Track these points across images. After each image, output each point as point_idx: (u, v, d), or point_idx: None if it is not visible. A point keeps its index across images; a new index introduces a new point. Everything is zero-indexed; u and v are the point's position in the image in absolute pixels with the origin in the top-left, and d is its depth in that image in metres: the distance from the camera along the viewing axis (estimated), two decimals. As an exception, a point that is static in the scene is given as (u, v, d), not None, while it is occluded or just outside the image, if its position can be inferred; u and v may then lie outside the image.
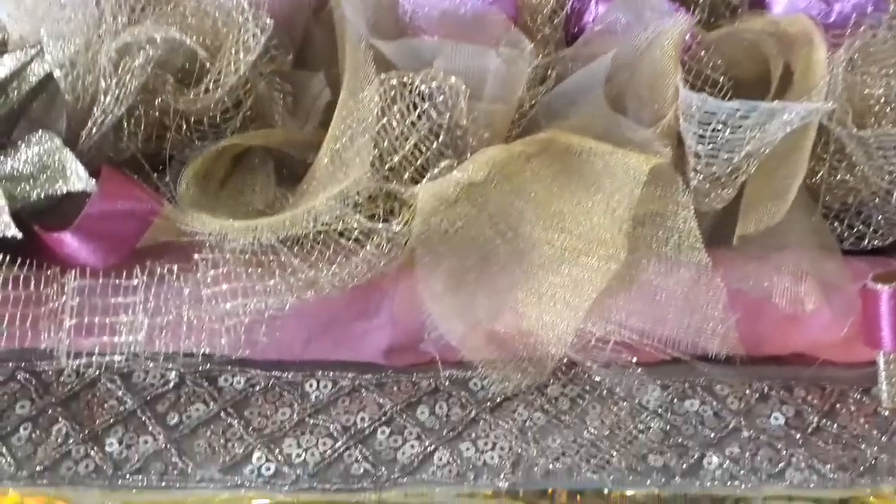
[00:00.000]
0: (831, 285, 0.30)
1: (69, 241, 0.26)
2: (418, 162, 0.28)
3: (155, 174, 0.29)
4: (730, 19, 0.35)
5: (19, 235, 0.25)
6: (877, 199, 0.31)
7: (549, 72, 0.32)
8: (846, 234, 0.32)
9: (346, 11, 0.27)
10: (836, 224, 0.33)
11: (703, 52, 0.30)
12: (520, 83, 0.28)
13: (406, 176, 0.28)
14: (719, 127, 0.26)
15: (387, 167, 0.28)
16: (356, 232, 0.28)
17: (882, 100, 0.29)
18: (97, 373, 0.31)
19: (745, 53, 0.32)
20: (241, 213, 0.29)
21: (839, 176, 0.32)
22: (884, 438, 0.30)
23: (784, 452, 0.30)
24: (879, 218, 0.31)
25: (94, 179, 0.26)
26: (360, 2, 0.28)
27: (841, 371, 0.32)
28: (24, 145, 0.28)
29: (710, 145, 0.27)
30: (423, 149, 0.27)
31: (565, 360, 0.31)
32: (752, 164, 0.28)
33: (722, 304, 0.27)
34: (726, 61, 0.31)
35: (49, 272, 0.27)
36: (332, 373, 0.32)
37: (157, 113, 0.29)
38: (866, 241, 0.32)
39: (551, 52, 0.33)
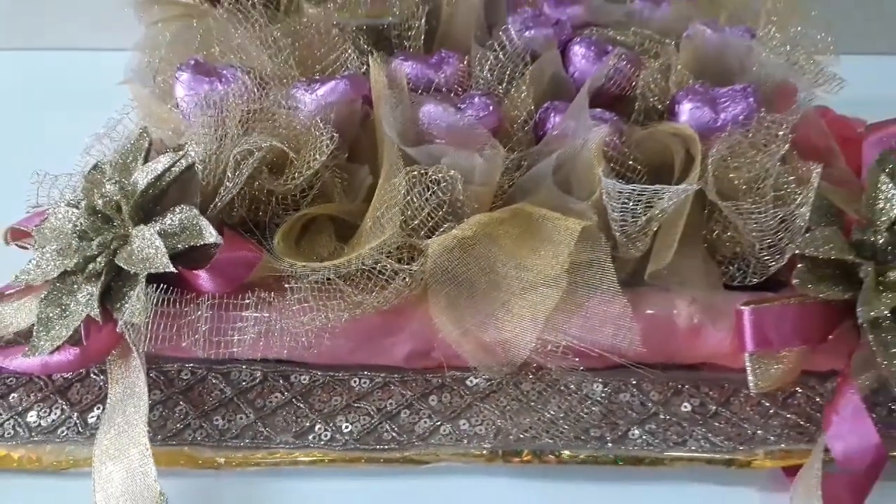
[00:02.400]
0: (718, 312, 0.41)
1: (204, 277, 0.38)
2: (430, 224, 0.40)
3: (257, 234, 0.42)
4: (657, 121, 0.48)
5: (175, 271, 0.38)
6: (751, 249, 0.42)
7: (523, 162, 0.44)
8: (736, 274, 0.43)
9: (384, 128, 0.41)
10: (729, 267, 0.43)
11: (626, 149, 0.43)
12: (497, 173, 0.40)
13: (422, 233, 0.40)
14: (627, 202, 0.39)
15: (409, 228, 0.40)
16: (388, 271, 0.39)
17: (742, 182, 0.41)
18: (205, 372, 0.45)
19: (659, 148, 0.44)
20: (312, 259, 0.41)
21: (728, 233, 0.43)
22: (762, 420, 0.41)
23: (688, 429, 0.40)
24: (756, 262, 0.42)
25: (220, 236, 0.40)
26: (392, 119, 0.42)
27: (736, 374, 0.41)
28: (169, 214, 0.41)
29: (622, 213, 0.39)
30: (433, 216, 0.39)
31: (535, 365, 0.44)
32: (653, 225, 0.40)
33: (629, 317, 0.39)
34: (645, 154, 0.43)
35: (188, 296, 0.39)
36: (368, 373, 0.43)
37: (255, 192, 0.42)
38: (748, 279, 0.42)
39: (524, 149, 0.45)
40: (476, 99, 0.45)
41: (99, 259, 0.40)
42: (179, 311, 0.39)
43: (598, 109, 0.45)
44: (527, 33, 0.50)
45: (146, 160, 0.43)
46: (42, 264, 0.42)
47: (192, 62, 0.45)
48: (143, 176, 0.41)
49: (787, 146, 0.41)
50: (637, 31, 0.52)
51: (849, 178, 0.44)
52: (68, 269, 0.41)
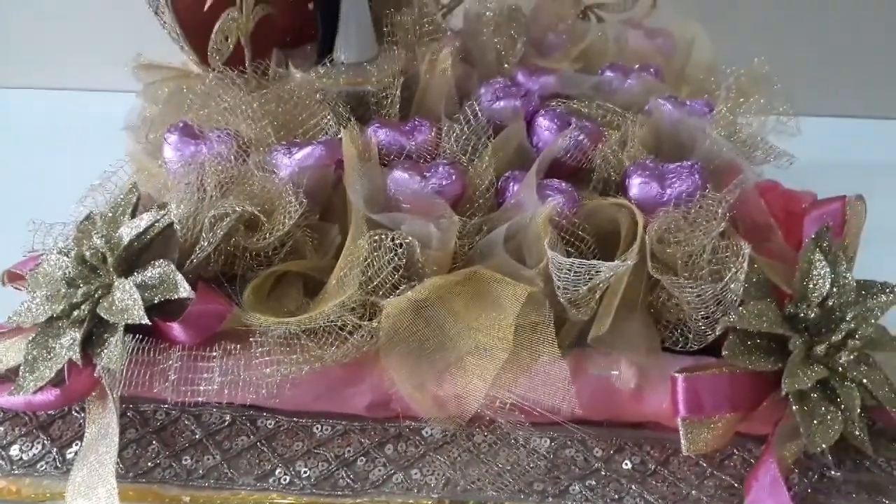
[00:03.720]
0: (656, 376, 0.43)
1: (176, 328, 0.41)
2: (388, 286, 0.43)
3: (229, 287, 0.45)
4: (614, 191, 0.51)
5: (149, 323, 0.41)
6: (689, 318, 0.45)
7: (483, 227, 0.47)
8: (679, 339, 0.45)
9: (351, 196, 0.44)
10: (673, 332, 0.45)
11: (576, 220, 0.46)
12: (451, 241, 0.43)
13: (381, 293, 0.43)
14: (567, 273, 0.42)
15: (370, 287, 0.43)
16: (349, 326, 0.42)
17: (680, 256, 0.43)
18: (179, 413, 0.48)
19: (608, 217, 0.47)
20: (280, 312, 0.43)
21: (672, 300, 0.45)
22: (697, 481, 0.43)
23: (626, 486, 0.42)
24: (695, 331, 0.45)
25: (193, 291, 0.43)
26: (360, 187, 0.45)
27: (677, 435, 0.42)
28: (150, 267, 0.44)
29: (564, 282, 0.42)
30: (391, 278, 0.43)
31: (488, 418, 0.46)
32: (595, 294, 0.43)
33: (568, 381, 0.41)
34: (595, 224, 0.46)
35: (161, 345, 0.42)
36: (330, 420, 0.45)
37: (231, 248, 0.46)
38: (688, 345, 0.44)
39: (485, 214, 0.48)
40: (441, 168, 0.48)
41: (83, 307, 0.44)
42: (153, 359, 0.42)
43: (556, 180, 0.49)
44: (496, 104, 0.54)
45: (134, 214, 0.47)
46: (32, 308, 0.45)
47: (181, 125, 0.49)
48: (127, 231, 0.45)
49: (724, 224, 0.44)
50: (601, 104, 0.55)
51: (786, 253, 0.46)
52: (55, 314, 0.44)
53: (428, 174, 0.48)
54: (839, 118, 0.89)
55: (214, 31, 0.51)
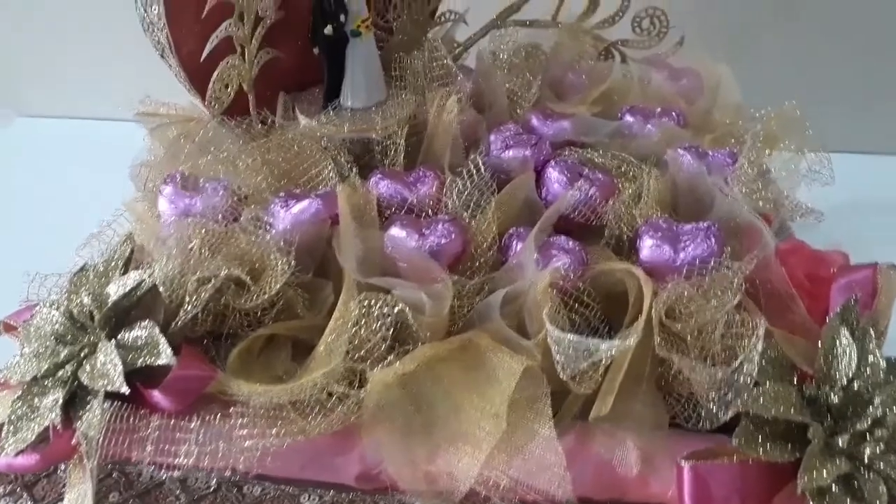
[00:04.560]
0: (662, 458, 0.40)
1: (157, 395, 0.40)
2: (376, 355, 0.41)
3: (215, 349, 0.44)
4: (628, 249, 0.49)
5: (128, 392, 0.40)
6: (700, 396, 0.42)
7: (485, 286, 0.45)
8: (691, 416, 0.42)
9: (341, 261, 0.42)
10: (685, 407, 0.42)
11: (580, 284, 0.43)
12: (444, 308, 0.41)
13: (370, 361, 0.41)
14: (566, 348, 0.39)
15: (357, 355, 0.41)
16: (336, 395, 0.41)
17: (689, 330, 0.41)
18: (164, 477, 0.46)
19: (613, 284, 0.44)
20: (267, 377, 0.42)
21: (682, 374, 0.43)
22: None
23: None
24: (706, 408, 0.42)
25: (175, 356, 0.40)
26: (351, 250, 0.43)
27: None
28: (135, 328, 0.43)
29: (564, 357, 0.39)
30: (378, 348, 0.41)
31: (483, 495, 0.44)
32: (598, 369, 0.40)
33: (563, 467, 0.38)
34: (602, 286, 0.44)
35: (141, 412, 0.41)
36: (319, 490, 0.43)
37: (220, 308, 0.44)
38: (700, 424, 0.41)
39: (486, 273, 0.46)
40: (440, 225, 0.46)
41: (66, 367, 0.42)
42: (132, 426, 0.41)
43: (563, 237, 0.46)
44: (505, 153, 0.52)
45: (126, 268, 0.46)
46: (21, 364, 0.44)
47: (177, 176, 0.48)
48: (114, 289, 0.44)
49: (738, 298, 0.40)
50: (616, 154, 0.52)
51: (809, 327, 0.43)
52: (40, 373, 0.43)
53: (427, 231, 0.46)
54: (871, 155, 0.84)
55: (213, 79, 0.50)
